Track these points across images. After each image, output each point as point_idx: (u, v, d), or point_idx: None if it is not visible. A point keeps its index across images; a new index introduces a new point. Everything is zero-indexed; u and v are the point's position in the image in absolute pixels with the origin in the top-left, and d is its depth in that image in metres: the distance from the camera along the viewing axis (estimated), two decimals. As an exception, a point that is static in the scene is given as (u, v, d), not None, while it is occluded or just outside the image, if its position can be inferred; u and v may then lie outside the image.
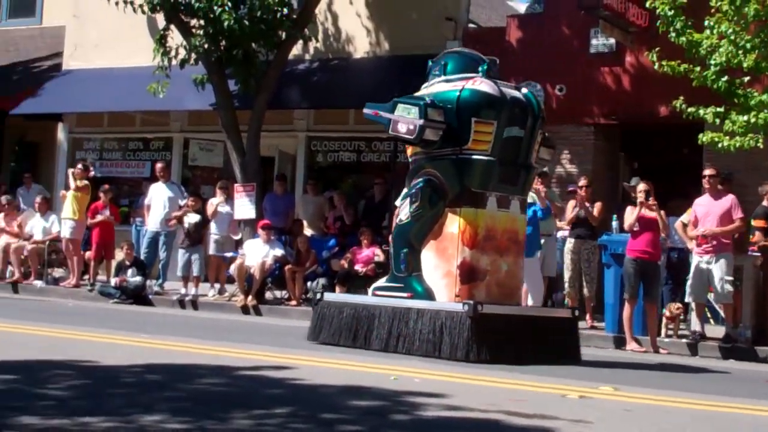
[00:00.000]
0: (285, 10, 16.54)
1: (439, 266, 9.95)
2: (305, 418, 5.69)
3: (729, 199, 12.91)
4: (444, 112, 9.81)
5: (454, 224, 9.84)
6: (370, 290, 10.72)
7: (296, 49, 18.02)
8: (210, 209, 16.94)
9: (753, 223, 13.41)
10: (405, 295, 9.99)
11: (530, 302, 12.93)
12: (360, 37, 18.64)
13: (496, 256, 9.96)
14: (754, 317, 13.12)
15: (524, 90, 10.24)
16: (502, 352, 9.36)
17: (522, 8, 22.26)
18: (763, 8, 12.83)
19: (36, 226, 18.46)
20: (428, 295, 9.91)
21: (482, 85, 9.90)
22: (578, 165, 16.50)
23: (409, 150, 10.50)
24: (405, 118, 9.87)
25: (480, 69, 10.12)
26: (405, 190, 10.38)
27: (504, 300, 9.98)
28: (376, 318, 9.94)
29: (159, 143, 20.73)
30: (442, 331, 9.41)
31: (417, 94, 10.36)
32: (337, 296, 11.72)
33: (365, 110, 10.51)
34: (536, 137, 10.21)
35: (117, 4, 16.84)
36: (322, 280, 15.79)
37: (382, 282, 10.62)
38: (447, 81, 10.16)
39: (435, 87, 10.24)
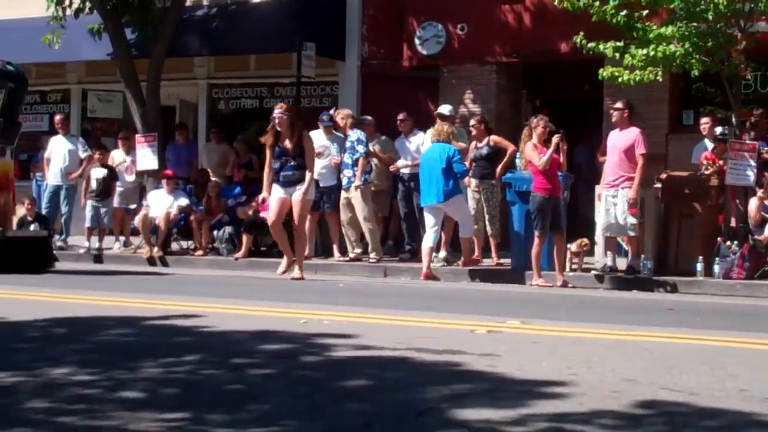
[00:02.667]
0: (179, -44, 16.23)
1: None
2: (215, 364, 5.66)
3: (633, 134, 13.01)
4: None
5: None
6: None
7: (194, -5, 17.73)
8: (112, 161, 16.71)
9: None
10: None
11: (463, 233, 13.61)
12: (259, -20, 18.37)
13: None
14: (655, 248, 13.39)
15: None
16: None
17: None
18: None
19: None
20: None
21: None
22: (481, 104, 16.56)
23: None
24: None
25: None
26: None
27: None
28: None
29: (56, 95, 20.25)
30: None
31: None
32: None
33: None
34: (22, 98, 13.71)
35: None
36: (228, 229, 15.68)
37: None
38: None
39: None
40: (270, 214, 12.84)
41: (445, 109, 14.62)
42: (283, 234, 12.89)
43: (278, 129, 12.65)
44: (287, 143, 12.58)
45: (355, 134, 14.48)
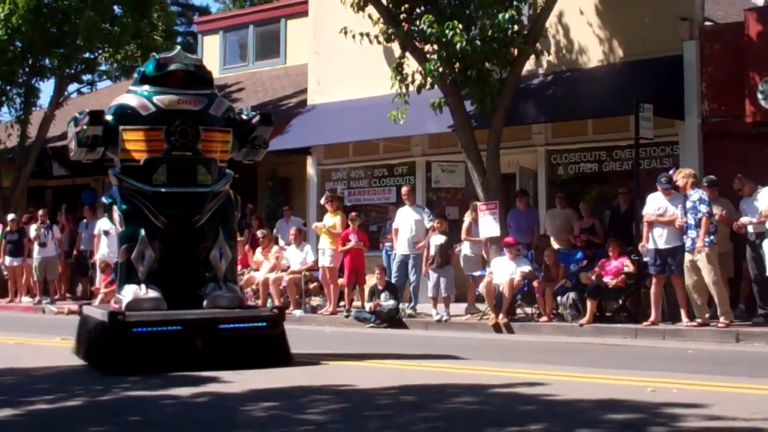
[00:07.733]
0: (516, 27, 16.52)
1: None
2: (560, 434, 5.68)
3: None
4: None
5: None
6: None
7: (529, 64, 17.97)
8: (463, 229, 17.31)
9: None
10: None
11: None
12: (592, 47, 18.37)
13: None
14: None
15: None
16: None
17: (760, 1, 21.37)
18: None
19: (292, 256, 19.18)
20: None
21: None
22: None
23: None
24: None
25: None
26: None
27: None
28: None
29: (402, 168, 21.14)
30: None
31: None
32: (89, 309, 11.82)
33: None
34: None
35: (354, 37, 17.35)
36: (571, 294, 15.65)
37: None
38: None
39: None
40: None
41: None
42: None
43: None
44: None
45: (696, 194, 14.11)
